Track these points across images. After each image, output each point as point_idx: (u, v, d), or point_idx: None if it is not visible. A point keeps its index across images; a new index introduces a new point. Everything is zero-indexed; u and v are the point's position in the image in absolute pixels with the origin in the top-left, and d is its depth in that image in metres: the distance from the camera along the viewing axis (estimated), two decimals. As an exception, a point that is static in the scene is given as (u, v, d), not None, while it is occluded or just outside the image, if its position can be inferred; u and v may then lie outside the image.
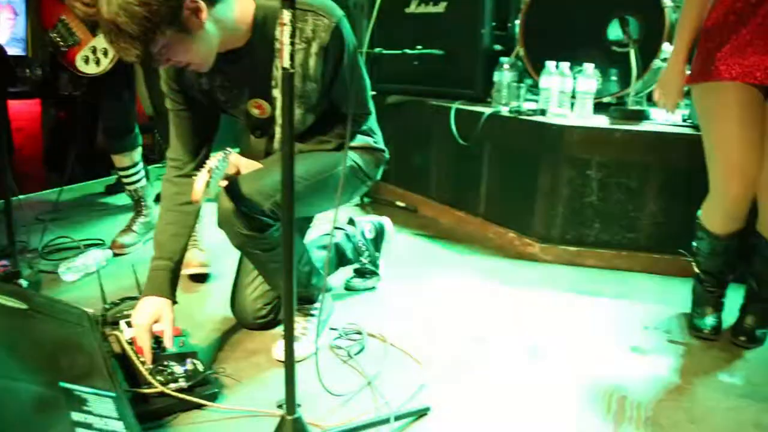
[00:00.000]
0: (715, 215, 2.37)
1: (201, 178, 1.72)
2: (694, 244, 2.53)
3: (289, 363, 1.53)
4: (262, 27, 1.89)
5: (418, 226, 3.72)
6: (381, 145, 2.29)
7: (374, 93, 4.06)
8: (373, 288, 2.81)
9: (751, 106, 2.19)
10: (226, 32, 1.82)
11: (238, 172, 2.02)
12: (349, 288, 2.80)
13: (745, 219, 2.34)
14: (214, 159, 1.79)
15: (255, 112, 2.07)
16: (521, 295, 2.82)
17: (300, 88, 1.96)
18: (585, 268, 3.12)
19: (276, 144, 2.12)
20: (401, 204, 4.05)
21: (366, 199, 4.13)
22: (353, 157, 2.17)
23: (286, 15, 1.32)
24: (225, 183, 1.94)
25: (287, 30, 1.33)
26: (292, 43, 1.34)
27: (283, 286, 1.48)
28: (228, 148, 1.86)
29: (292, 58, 1.35)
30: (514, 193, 3.36)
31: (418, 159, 3.94)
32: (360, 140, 2.20)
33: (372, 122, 2.26)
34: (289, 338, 1.51)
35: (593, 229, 3.12)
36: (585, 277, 3.04)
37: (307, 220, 2.44)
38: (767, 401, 2.05)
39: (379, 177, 2.34)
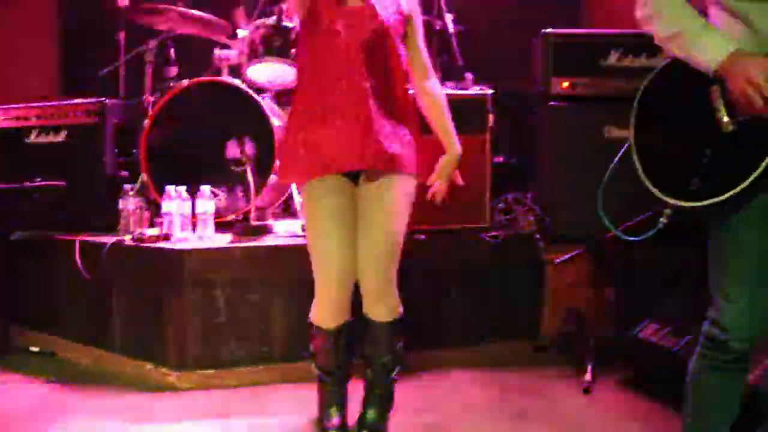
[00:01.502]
0: (322, 311, 2.48)
1: None
2: (311, 344, 2.62)
3: None
4: None
5: (54, 370, 3.42)
6: None
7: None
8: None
9: (339, 198, 2.36)
10: None
11: None
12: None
13: (349, 309, 2.48)
14: None
15: None
16: (152, 432, 2.70)
17: None
18: (224, 389, 3.08)
19: None
20: (35, 349, 3.71)
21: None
22: None
23: None
24: None
25: None
26: None
27: None
28: None
29: None
30: (146, 323, 3.25)
31: (50, 297, 3.67)
32: None
33: None
34: None
35: (228, 349, 3.12)
36: (221, 399, 3.00)
37: None
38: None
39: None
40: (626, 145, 2.00)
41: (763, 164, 1.70)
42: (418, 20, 2.51)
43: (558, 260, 3.29)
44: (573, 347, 3.40)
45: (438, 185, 2.45)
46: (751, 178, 1.71)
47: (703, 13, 1.95)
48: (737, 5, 1.85)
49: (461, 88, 3.43)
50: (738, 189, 1.72)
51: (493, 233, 3.27)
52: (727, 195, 1.74)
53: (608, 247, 3.21)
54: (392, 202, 2.38)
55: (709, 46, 1.80)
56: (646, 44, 2.74)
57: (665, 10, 1.92)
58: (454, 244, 3.20)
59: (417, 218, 2.53)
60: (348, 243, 2.36)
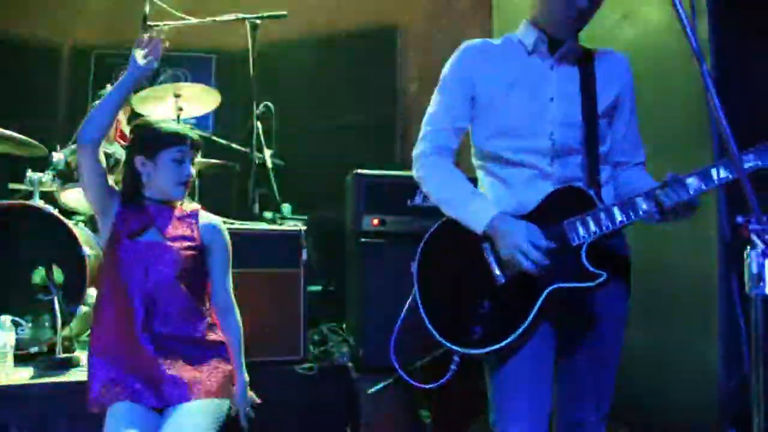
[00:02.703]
0: None
1: None
2: None
3: None
4: None
5: None
6: None
7: None
8: None
9: (138, 419, 2.27)
10: None
11: None
12: None
13: None
14: None
15: None
16: None
17: None
18: None
19: None
20: None
21: None
22: None
23: None
24: None
25: None
26: None
27: None
28: None
29: None
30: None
31: None
32: None
33: None
34: None
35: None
36: None
37: None
38: None
39: None
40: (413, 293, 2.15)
41: (532, 315, 1.91)
42: (220, 253, 2.55)
43: (371, 390, 3.37)
44: (389, 475, 3.45)
45: (241, 413, 2.59)
46: (522, 328, 1.91)
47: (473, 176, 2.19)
48: (498, 171, 2.10)
49: (278, 218, 3.54)
50: (510, 339, 1.91)
51: (307, 365, 3.32)
52: (501, 344, 1.93)
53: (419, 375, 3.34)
54: None
55: (475, 211, 2.01)
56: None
57: (436, 176, 2.13)
58: (267, 377, 3.19)
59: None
60: None
